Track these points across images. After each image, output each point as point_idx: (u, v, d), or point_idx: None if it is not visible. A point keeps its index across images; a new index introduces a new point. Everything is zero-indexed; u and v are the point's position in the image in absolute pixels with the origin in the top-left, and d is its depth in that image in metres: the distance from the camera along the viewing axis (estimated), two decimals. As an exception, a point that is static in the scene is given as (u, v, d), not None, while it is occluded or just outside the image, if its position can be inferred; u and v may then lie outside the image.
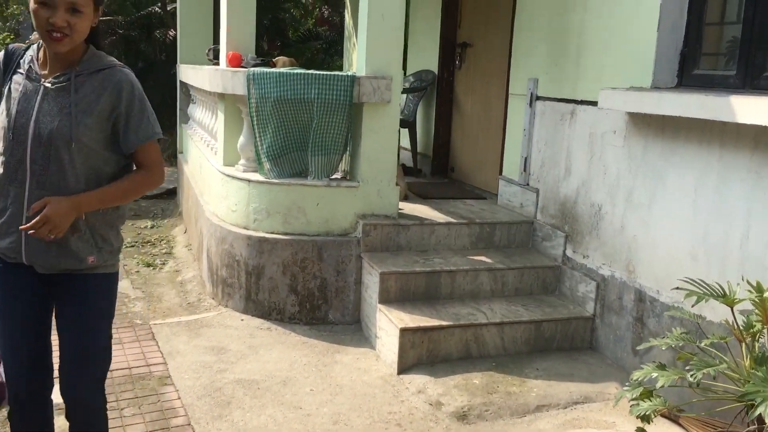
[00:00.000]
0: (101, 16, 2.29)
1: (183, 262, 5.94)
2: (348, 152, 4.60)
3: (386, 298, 4.18)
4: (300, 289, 4.48)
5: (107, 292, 2.45)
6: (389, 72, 4.37)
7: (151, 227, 7.24)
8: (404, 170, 6.34)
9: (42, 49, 2.26)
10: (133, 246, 6.49)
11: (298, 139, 4.50)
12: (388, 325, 3.97)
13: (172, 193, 8.46)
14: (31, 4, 2.13)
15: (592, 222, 4.19)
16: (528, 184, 4.90)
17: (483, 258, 4.52)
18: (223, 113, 4.97)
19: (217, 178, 4.92)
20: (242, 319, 4.58)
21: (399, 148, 4.58)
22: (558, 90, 4.55)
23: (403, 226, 4.54)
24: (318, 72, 4.29)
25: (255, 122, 4.43)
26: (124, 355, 4.05)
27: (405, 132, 6.44)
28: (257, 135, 4.47)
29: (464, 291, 4.32)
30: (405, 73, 6.89)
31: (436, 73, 6.31)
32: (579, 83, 4.33)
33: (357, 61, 4.47)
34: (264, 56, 12.00)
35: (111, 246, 2.37)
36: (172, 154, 8.94)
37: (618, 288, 3.97)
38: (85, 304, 2.38)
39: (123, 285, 5.28)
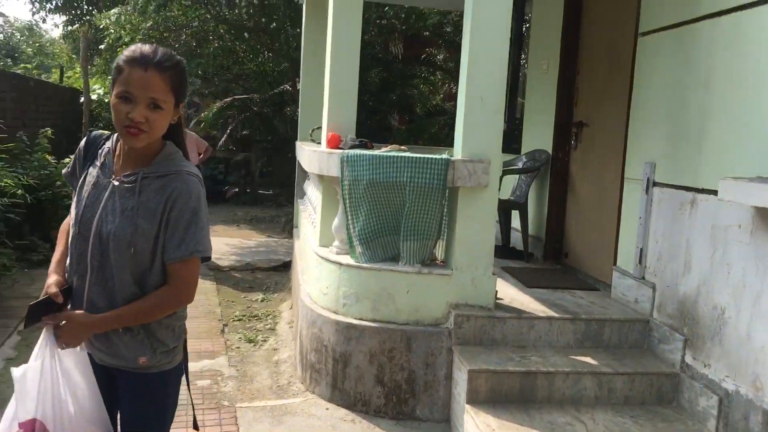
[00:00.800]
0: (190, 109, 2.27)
1: (282, 340, 5.87)
2: (443, 238, 4.37)
3: (475, 399, 3.84)
4: (387, 381, 4.23)
5: (160, 392, 2.34)
6: (487, 155, 4.14)
7: (262, 300, 7.28)
8: (511, 253, 6.00)
9: (120, 141, 2.24)
10: (240, 320, 6.52)
11: (391, 223, 4.34)
12: (475, 430, 3.62)
13: (287, 266, 8.54)
14: (112, 99, 2.12)
15: (715, 326, 3.68)
16: (644, 278, 4.43)
17: (588, 359, 4.08)
18: (320, 193, 4.92)
19: (313, 259, 4.83)
20: (327, 408, 4.37)
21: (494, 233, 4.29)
22: (677, 176, 4.13)
23: (499, 318, 4.21)
24: (411, 155, 4.14)
25: (347, 204, 4.32)
26: (202, 439, 3.95)
27: (516, 214, 6.13)
28: (349, 217, 4.36)
29: (563, 396, 3.90)
30: (520, 152, 6.62)
31: (551, 152, 5.99)
32: (700, 169, 3.89)
33: (455, 143, 4.28)
34: (389, 131, 12.15)
35: (166, 347, 2.27)
36: (290, 227, 9.07)
37: (744, 406, 3.41)
38: (136, 403, 2.31)
39: (220, 362, 5.26)
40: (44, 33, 32.82)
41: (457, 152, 4.21)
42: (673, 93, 4.20)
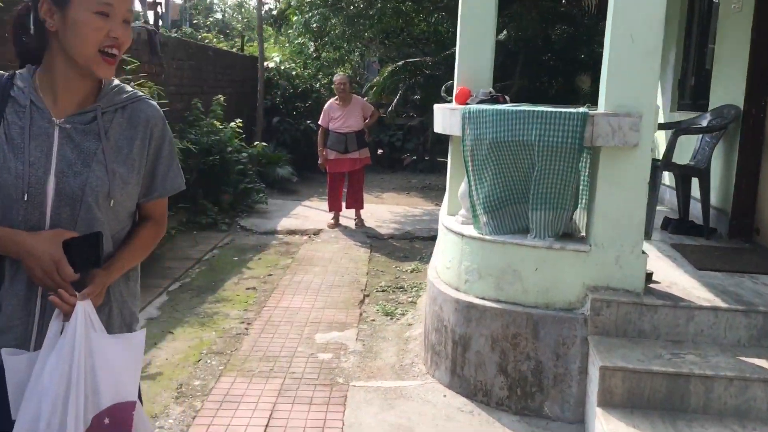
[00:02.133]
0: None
1: (420, 315, 5.46)
2: (583, 208, 3.70)
3: (608, 401, 3.19)
4: (510, 370, 3.68)
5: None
6: (637, 108, 3.39)
7: (412, 271, 6.93)
8: (689, 228, 5.10)
9: (38, 75, 1.74)
10: (383, 291, 6.21)
11: (520, 189, 3.74)
12: (602, 439, 3.00)
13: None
14: (81, 15, 1.64)
15: None
16: None
17: (763, 362, 3.24)
18: (450, 156, 4.41)
19: (440, 229, 4.37)
20: (445, 395, 3.92)
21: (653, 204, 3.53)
22: None
23: (649, 306, 3.48)
24: (540, 108, 3.50)
25: (470, 168, 3.79)
26: (304, 419, 3.68)
27: (696, 182, 5.19)
28: (472, 183, 3.82)
29: (725, 406, 3.12)
30: (707, 108, 5.60)
31: (742, 108, 4.96)
32: None
33: (600, 94, 3.57)
34: (575, 94, 11.13)
35: (138, 320, 1.94)
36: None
37: None
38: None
39: (348, 335, 4.98)
40: (253, 9, 34.74)
41: (601, 105, 3.51)
42: None
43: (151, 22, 9.33)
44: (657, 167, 4.92)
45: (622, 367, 3.17)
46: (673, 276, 3.93)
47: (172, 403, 3.84)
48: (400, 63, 11.66)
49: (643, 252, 3.55)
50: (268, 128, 12.00)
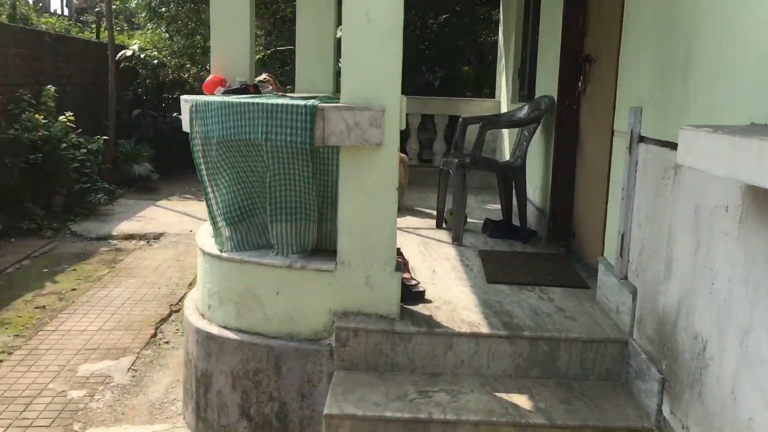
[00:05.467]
0: None
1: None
2: (328, 220, 3.16)
3: (335, 456, 2.65)
4: (253, 414, 3.11)
5: None
6: (378, 100, 2.85)
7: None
8: (511, 232, 4.65)
9: None
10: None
11: (264, 197, 3.16)
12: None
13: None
14: None
15: (695, 368, 2.27)
16: (626, 278, 3.03)
17: (523, 399, 2.77)
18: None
19: (201, 242, 3.75)
20: (189, 442, 3.33)
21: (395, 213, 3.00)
22: (663, 127, 2.68)
23: (401, 334, 2.96)
24: (266, 100, 2.92)
25: (204, 171, 3.19)
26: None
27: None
28: (209, 189, 3.22)
29: (468, 458, 2.63)
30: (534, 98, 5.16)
31: (556, 98, 4.52)
32: (686, 115, 2.44)
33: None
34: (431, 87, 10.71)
35: None
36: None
37: None
38: None
39: (121, 364, 4.31)
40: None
41: (342, 97, 2.96)
42: (661, 3, 2.73)
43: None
44: (464, 164, 4.44)
45: (350, 415, 2.64)
46: (451, 293, 3.43)
47: None
48: (269, 51, 10.95)
49: (398, 270, 3.03)
50: (129, 122, 11.11)
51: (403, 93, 2.91)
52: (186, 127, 3.41)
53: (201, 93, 11.11)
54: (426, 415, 2.63)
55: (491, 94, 9.80)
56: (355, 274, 3.00)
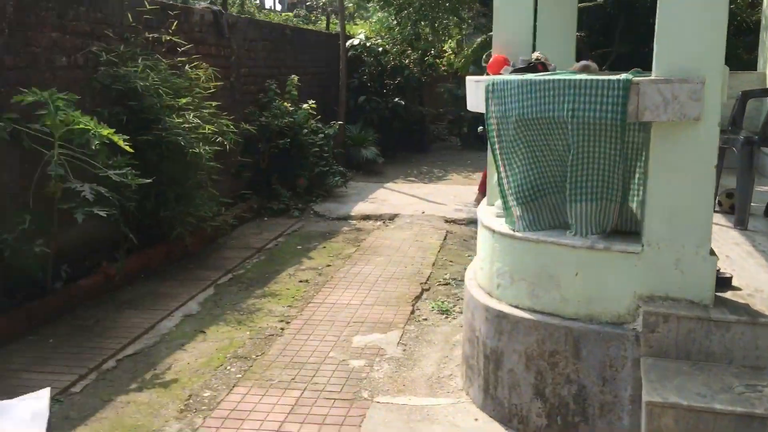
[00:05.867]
0: None
1: (476, 315, 4.89)
2: (636, 200, 3.01)
3: (656, 446, 2.53)
4: (548, 395, 3.07)
5: None
6: (698, 71, 2.66)
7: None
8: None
9: None
10: (446, 284, 5.65)
11: (559, 176, 3.09)
12: (641, 497, 2.36)
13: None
14: None
15: None
16: None
17: None
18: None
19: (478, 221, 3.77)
20: (476, 419, 3.37)
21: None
22: None
23: (718, 322, 2.76)
24: (571, 76, 2.82)
25: (497, 151, 3.18)
26: (309, 443, 3.25)
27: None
28: (501, 169, 3.21)
29: (814, 460, 2.39)
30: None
31: None
32: None
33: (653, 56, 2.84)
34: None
35: None
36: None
37: None
38: None
39: (390, 337, 4.48)
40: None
41: (654, 70, 2.79)
42: None
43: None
44: (752, 141, 4.07)
45: (675, 404, 2.50)
46: (761, 280, 3.15)
47: (172, 418, 3.50)
48: (491, 34, 10.86)
49: (712, 253, 2.82)
50: (354, 108, 11.60)
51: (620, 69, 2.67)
52: (472, 106, 3.42)
53: (419, 78, 11.42)
54: (763, 411, 2.43)
55: (740, 66, 8.96)
56: (663, 257, 2.84)
